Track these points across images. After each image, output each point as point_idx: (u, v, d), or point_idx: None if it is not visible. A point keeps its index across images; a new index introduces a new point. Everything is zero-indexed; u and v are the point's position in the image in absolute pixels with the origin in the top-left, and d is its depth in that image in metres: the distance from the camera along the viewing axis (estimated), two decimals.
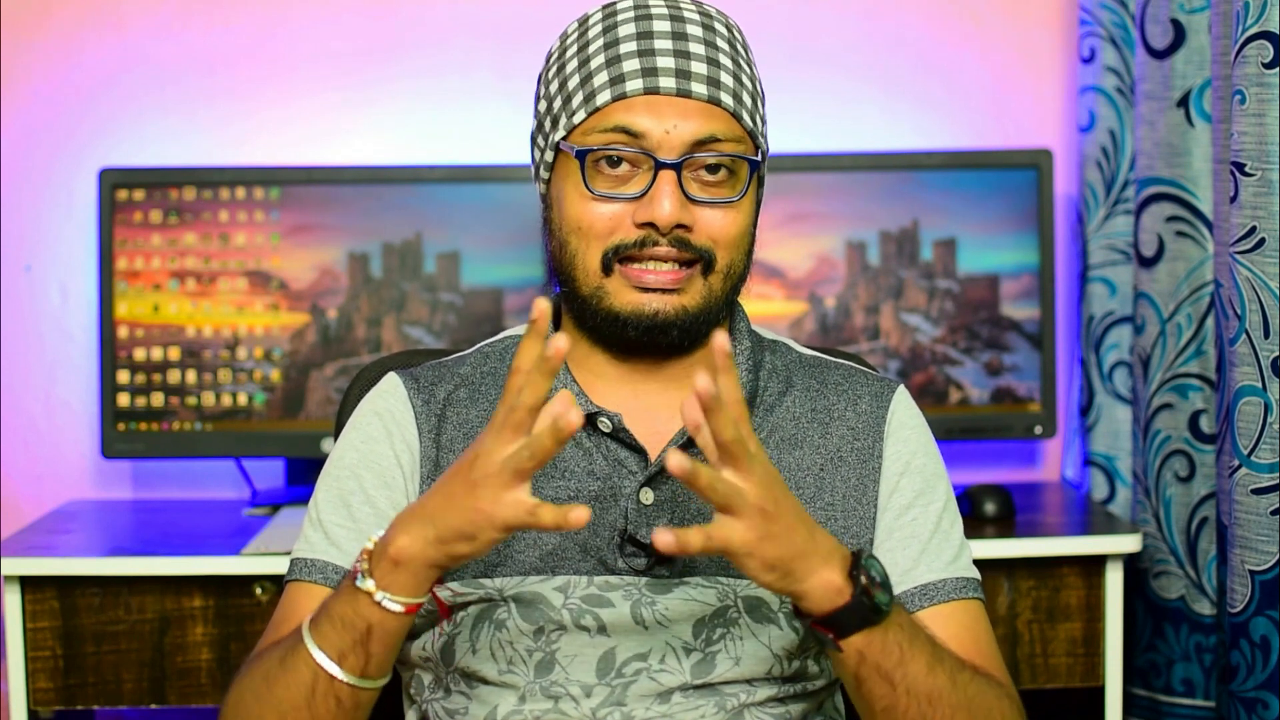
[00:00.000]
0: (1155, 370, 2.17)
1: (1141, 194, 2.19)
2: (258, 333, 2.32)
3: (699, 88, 1.43)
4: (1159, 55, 2.15)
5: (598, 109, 1.44)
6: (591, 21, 1.49)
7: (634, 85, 1.43)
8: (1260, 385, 1.87)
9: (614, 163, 1.43)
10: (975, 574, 1.48)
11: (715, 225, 1.43)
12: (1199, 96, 2.11)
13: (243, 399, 2.32)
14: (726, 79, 1.45)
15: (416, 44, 2.47)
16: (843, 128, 2.48)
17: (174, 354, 2.32)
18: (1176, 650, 2.15)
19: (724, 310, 1.48)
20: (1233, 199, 1.89)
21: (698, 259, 1.43)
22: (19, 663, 2.01)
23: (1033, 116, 2.49)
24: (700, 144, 1.42)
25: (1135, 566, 2.19)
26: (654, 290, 1.43)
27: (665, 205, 1.41)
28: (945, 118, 2.48)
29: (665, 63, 1.43)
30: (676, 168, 1.41)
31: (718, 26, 1.48)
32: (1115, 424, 2.32)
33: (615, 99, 1.43)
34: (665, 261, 1.43)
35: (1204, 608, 2.12)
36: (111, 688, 2.04)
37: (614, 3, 1.50)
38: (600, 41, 1.46)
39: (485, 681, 1.42)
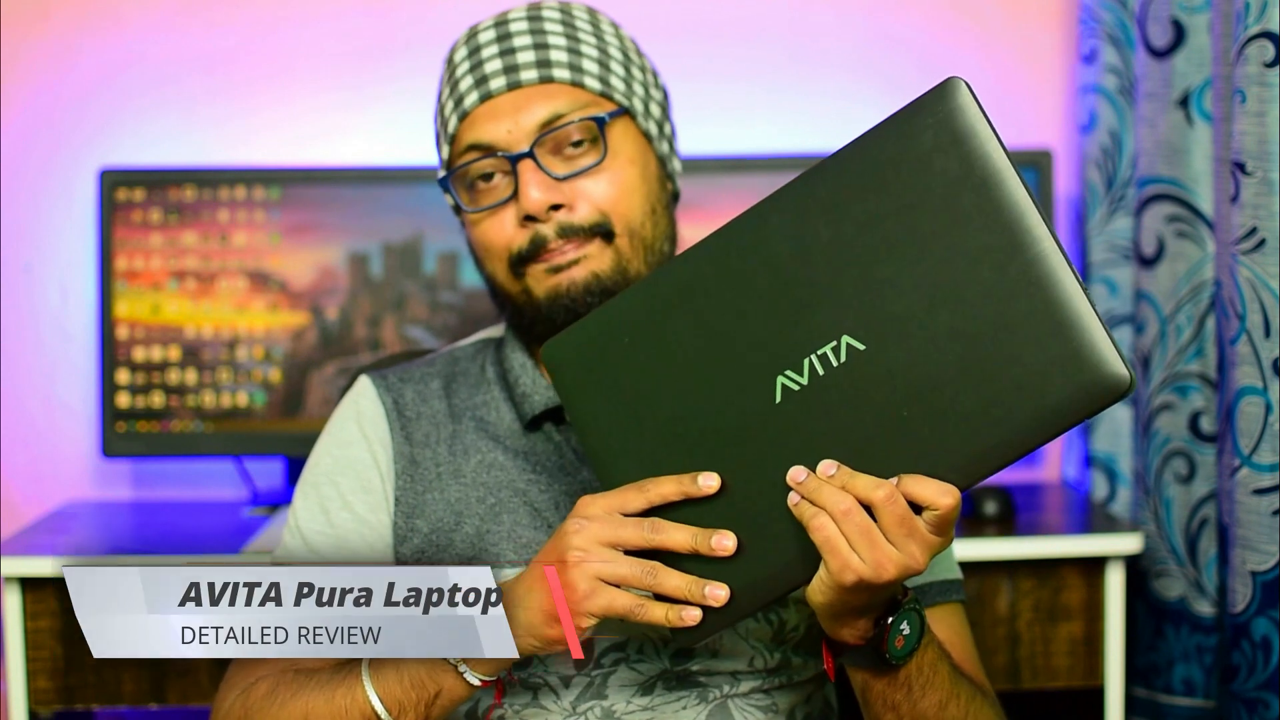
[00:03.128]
0: (1156, 370, 2.17)
1: (1142, 194, 2.19)
2: (258, 333, 2.32)
3: (528, 74, 1.45)
4: (1159, 55, 2.15)
5: (453, 137, 1.47)
6: (444, 60, 1.54)
7: (470, 100, 1.46)
8: (1261, 385, 1.87)
9: (487, 177, 1.45)
10: (959, 574, 1.49)
11: (595, 193, 1.45)
12: (1199, 96, 2.11)
13: (243, 399, 2.32)
14: (558, 55, 1.46)
15: (416, 44, 2.47)
16: (842, 128, 2.46)
17: (174, 354, 2.32)
18: (1177, 650, 2.15)
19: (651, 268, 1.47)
20: (1233, 199, 1.89)
21: (593, 235, 1.44)
22: (19, 663, 2.01)
23: (1033, 116, 2.49)
24: (545, 126, 1.44)
25: (1136, 567, 2.19)
26: (563, 268, 1.44)
27: (532, 193, 1.43)
28: None
29: (493, 66, 1.46)
30: (530, 156, 1.43)
31: (545, 12, 1.51)
32: (1115, 424, 2.32)
33: (461, 120, 1.47)
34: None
35: (1204, 608, 2.12)
36: (111, 688, 2.04)
37: (458, 36, 1.54)
38: (445, 76, 1.51)
39: None
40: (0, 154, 2.43)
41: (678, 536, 1.22)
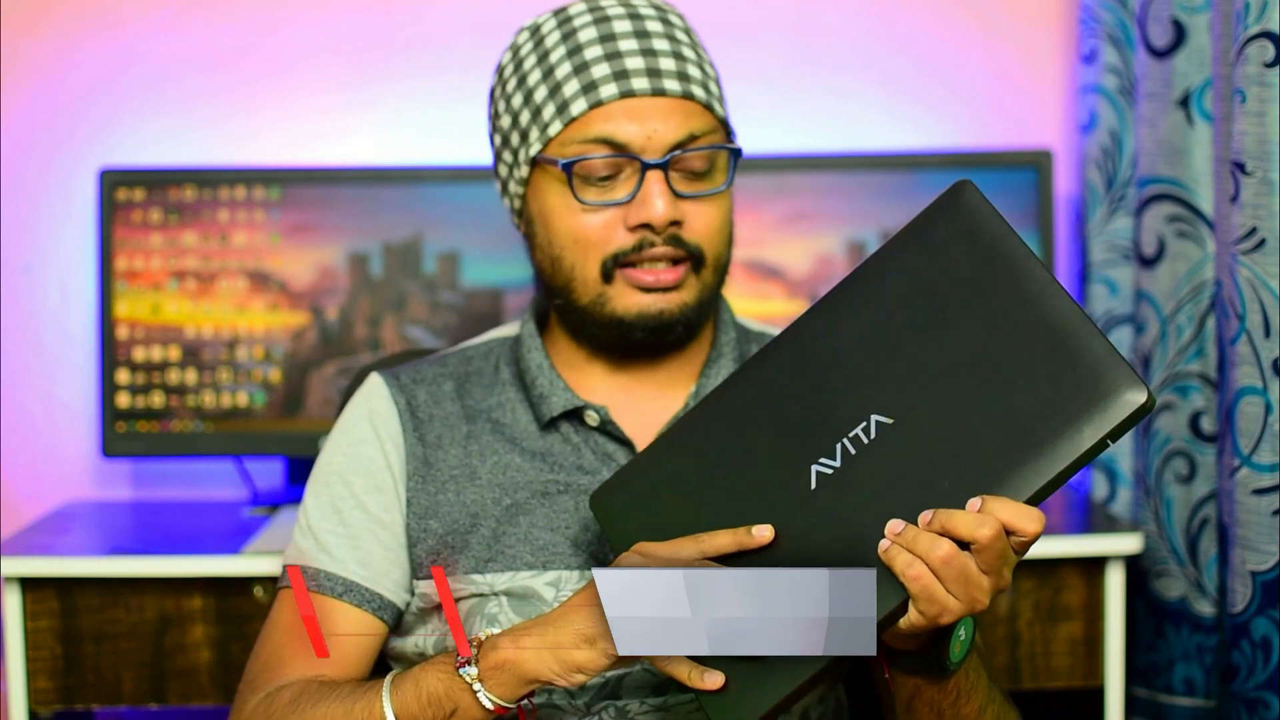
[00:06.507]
0: (1156, 370, 2.16)
1: (1142, 194, 2.18)
2: (258, 333, 2.32)
3: (671, 84, 1.44)
4: (1160, 55, 2.15)
5: (574, 119, 1.44)
6: (546, 30, 1.48)
7: (608, 91, 1.43)
8: (1261, 385, 1.87)
9: (599, 170, 1.43)
10: None
11: (702, 219, 1.45)
12: (1200, 96, 2.11)
13: (243, 399, 2.32)
14: (694, 71, 1.45)
15: (416, 44, 2.47)
16: (843, 128, 2.47)
17: (174, 354, 2.32)
18: (1177, 650, 2.15)
19: (716, 302, 1.49)
20: (1233, 199, 1.89)
21: (688, 257, 1.44)
22: (19, 663, 2.01)
23: (1033, 116, 2.49)
24: (683, 143, 1.43)
25: (1136, 567, 2.19)
26: (655, 291, 1.44)
27: (659, 205, 1.42)
28: (946, 117, 2.48)
29: (635, 63, 1.43)
30: (664, 167, 1.42)
31: (672, 19, 1.49)
32: None
33: (591, 106, 1.43)
34: (661, 261, 1.43)
35: (1205, 608, 2.12)
36: (111, 688, 2.04)
37: (565, 8, 1.49)
38: (562, 49, 1.46)
39: None
40: (0, 154, 2.43)
41: (720, 539, 1.23)
